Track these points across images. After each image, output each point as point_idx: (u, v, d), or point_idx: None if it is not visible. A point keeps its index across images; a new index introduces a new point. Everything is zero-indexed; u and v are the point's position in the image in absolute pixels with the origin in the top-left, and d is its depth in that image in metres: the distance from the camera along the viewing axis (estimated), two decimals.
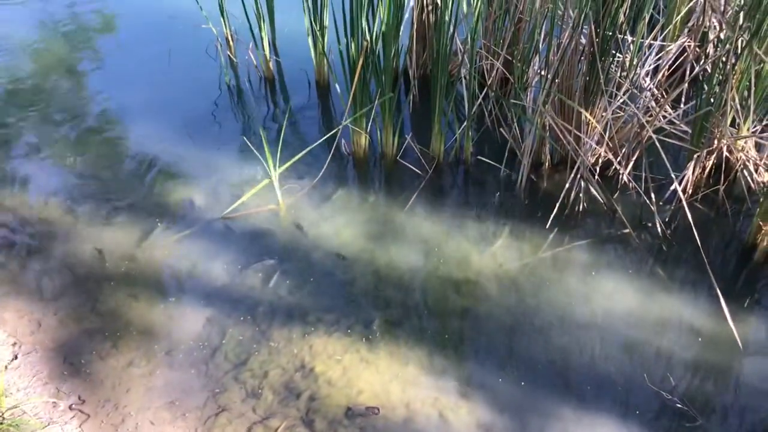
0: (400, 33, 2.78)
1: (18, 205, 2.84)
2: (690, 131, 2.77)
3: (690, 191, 2.73)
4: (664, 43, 3.06)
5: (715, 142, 2.71)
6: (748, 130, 2.68)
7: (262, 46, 3.54)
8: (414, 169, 2.99)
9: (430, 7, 3.16)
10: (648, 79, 2.85)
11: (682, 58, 3.13)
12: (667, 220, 2.72)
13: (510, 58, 3.17)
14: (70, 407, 2.10)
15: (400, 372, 2.18)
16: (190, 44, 3.85)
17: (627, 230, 2.68)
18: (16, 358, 2.24)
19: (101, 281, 2.50)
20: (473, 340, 2.29)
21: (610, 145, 2.78)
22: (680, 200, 2.69)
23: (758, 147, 2.81)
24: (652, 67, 2.91)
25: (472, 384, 2.15)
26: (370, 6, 2.66)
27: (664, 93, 2.99)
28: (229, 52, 3.76)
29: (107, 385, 2.15)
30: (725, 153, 2.78)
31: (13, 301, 2.44)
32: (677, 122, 2.83)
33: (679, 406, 2.09)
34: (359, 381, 2.15)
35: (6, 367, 2.20)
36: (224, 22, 3.64)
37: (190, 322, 2.35)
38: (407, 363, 2.21)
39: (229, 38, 3.74)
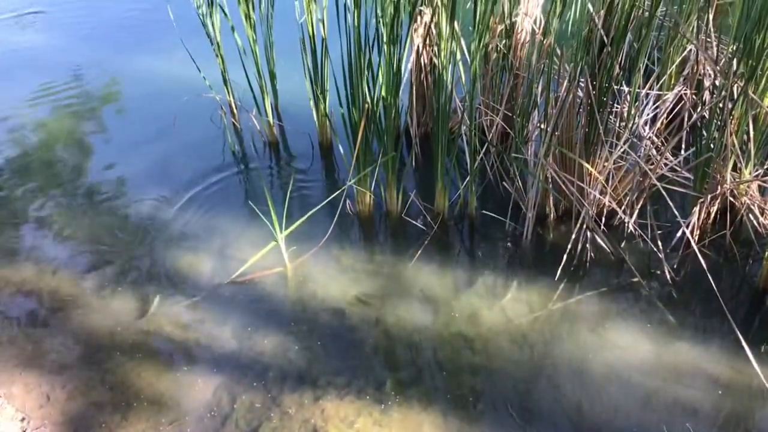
0: (400, 94, 2.83)
1: (24, 277, 2.84)
2: (692, 177, 2.78)
3: (696, 237, 2.73)
4: (661, 92, 3.11)
5: (718, 187, 2.72)
6: (750, 173, 2.70)
7: (265, 111, 3.60)
8: (419, 225, 3.00)
9: (428, 68, 3.22)
10: (647, 128, 2.89)
11: (679, 106, 3.17)
12: (675, 267, 2.71)
13: (509, 113, 3.22)
14: None
15: None
16: (193, 112, 3.92)
17: (636, 279, 2.66)
18: None
19: (109, 352, 2.48)
20: (487, 398, 2.26)
21: (614, 194, 2.79)
22: (687, 247, 2.68)
23: (762, 190, 2.82)
24: (650, 116, 2.95)
25: None
26: (370, 69, 2.72)
27: (664, 141, 3.02)
28: (232, 119, 3.83)
29: None
30: (729, 198, 2.79)
31: (21, 375, 2.42)
32: (679, 169, 2.85)
33: None
34: None
35: None
36: (227, 89, 3.72)
37: (200, 390, 2.32)
38: (421, 424, 2.17)
39: (233, 105, 3.81)
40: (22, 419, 2.25)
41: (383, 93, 2.74)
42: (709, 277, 2.52)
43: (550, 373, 2.32)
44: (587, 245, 2.77)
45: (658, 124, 2.99)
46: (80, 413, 2.27)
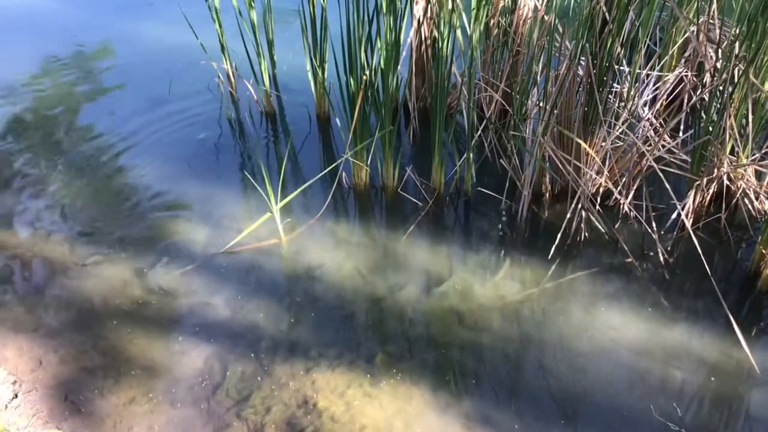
0: (399, 67, 2.81)
1: (19, 242, 2.84)
2: (689, 160, 2.78)
3: (691, 220, 2.73)
4: (662, 73, 3.09)
5: (715, 170, 2.71)
6: (747, 158, 2.69)
7: (263, 81, 3.57)
8: (415, 200, 3.00)
9: (428, 41, 3.19)
10: (646, 109, 2.87)
11: (679, 87, 3.15)
12: (669, 248, 2.72)
13: (509, 90, 3.20)
14: None
15: (403, 407, 2.15)
16: (191, 80, 3.89)
17: (629, 260, 2.67)
18: (16, 396, 2.22)
19: (102, 318, 2.49)
20: (476, 374, 2.27)
21: (610, 174, 2.78)
22: (682, 229, 2.68)
23: (758, 175, 2.81)
24: (650, 96, 2.93)
25: (476, 419, 2.12)
26: (369, 41, 2.69)
27: (662, 122, 3.01)
28: (230, 88, 3.80)
29: (108, 423, 2.13)
30: (725, 181, 2.78)
31: (14, 338, 2.43)
32: (676, 151, 2.84)
33: None
34: (363, 417, 2.12)
35: (6, 406, 2.18)
36: (225, 58, 3.68)
37: (191, 358, 2.33)
38: (411, 398, 2.18)
39: (230, 74, 3.77)
40: (14, 382, 2.26)
41: (382, 65, 2.72)
42: (703, 260, 2.53)
43: (540, 351, 2.34)
44: (582, 225, 2.77)
45: (658, 106, 2.97)
46: (72, 378, 2.28)
